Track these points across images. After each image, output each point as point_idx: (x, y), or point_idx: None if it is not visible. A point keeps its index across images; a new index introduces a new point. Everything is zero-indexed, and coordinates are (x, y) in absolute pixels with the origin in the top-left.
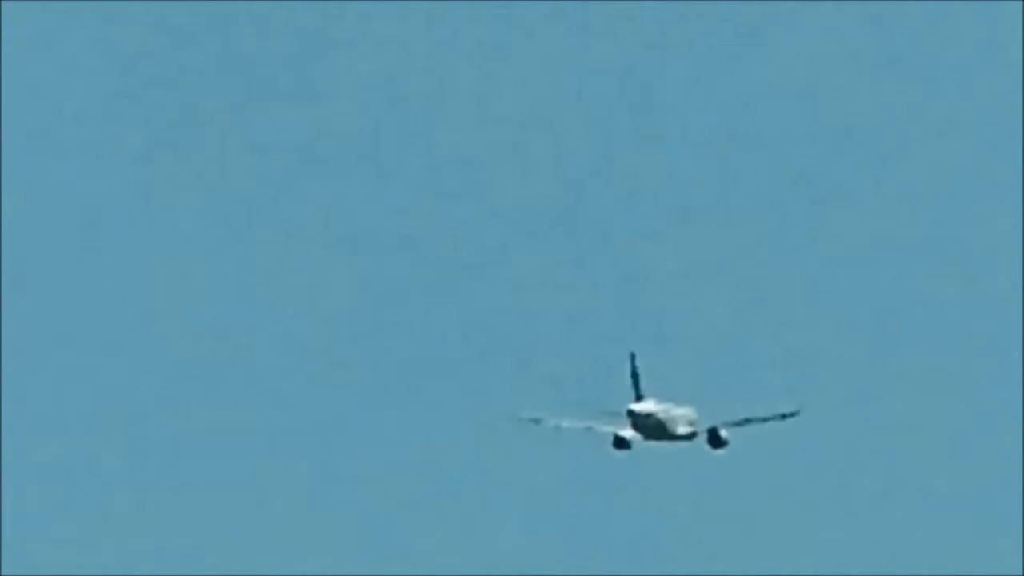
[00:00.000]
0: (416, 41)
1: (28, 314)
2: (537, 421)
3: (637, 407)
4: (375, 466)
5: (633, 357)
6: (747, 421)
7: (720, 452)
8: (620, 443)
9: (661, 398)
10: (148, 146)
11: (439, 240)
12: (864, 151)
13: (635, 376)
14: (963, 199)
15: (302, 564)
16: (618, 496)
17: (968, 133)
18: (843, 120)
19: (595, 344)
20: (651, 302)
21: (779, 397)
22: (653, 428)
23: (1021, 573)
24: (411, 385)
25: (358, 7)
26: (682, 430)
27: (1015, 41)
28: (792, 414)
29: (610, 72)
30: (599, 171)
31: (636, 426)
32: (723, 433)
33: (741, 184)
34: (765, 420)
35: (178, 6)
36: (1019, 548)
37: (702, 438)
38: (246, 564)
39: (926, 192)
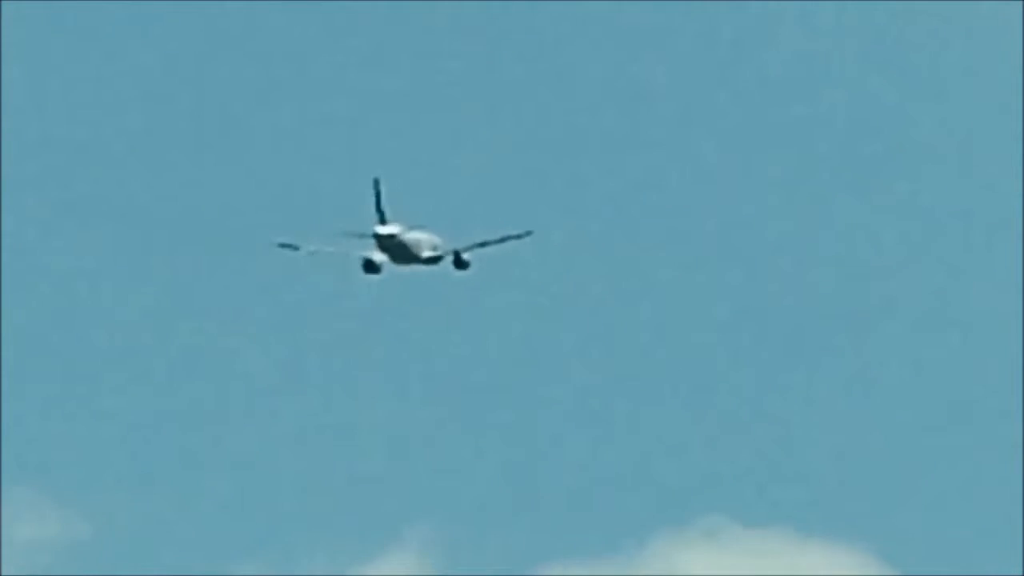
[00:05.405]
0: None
1: (28, 314)
2: (294, 247)
3: (382, 229)
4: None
5: (376, 182)
6: (484, 244)
7: (464, 273)
8: (370, 267)
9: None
10: (149, 147)
11: None
12: (861, 148)
13: (379, 201)
14: (963, 200)
15: None
16: (374, 316)
17: (968, 134)
18: (840, 118)
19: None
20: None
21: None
22: (399, 249)
23: (1021, 573)
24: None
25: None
26: (427, 253)
27: (1015, 41)
28: (524, 235)
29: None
30: None
31: (382, 248)
32: (466, 256)
33: None
34: (500, 242)
35: (178, 6)
36: (1019, 548)
37: (447, 261)
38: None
39: (925, 193)
